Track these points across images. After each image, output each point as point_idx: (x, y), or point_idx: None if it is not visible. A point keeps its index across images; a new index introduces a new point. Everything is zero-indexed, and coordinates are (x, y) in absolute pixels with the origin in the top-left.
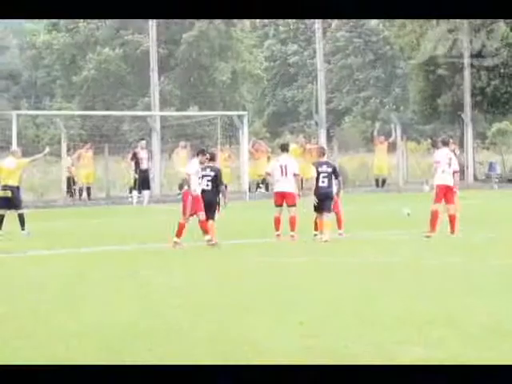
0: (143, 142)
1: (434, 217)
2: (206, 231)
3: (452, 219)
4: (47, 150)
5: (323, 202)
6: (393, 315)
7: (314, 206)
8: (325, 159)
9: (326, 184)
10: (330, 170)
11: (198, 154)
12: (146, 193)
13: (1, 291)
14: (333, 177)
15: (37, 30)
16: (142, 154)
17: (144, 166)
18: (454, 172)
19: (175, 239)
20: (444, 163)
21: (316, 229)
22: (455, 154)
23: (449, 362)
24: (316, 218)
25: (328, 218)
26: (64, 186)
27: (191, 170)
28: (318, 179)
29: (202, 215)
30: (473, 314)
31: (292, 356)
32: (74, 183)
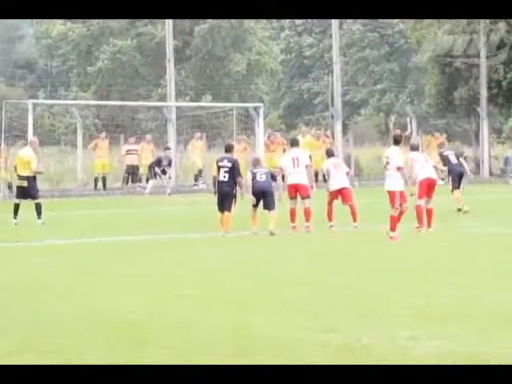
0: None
1: (421, 212)
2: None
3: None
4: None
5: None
6: (408, 308)
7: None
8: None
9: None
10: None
11: (396, 141)
12: (151, 182)
13: (13, 281)
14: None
15: (51, 20)
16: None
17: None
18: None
19: (391, 233)
20: (422, 160)
21: (331, 219)
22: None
23: (465, 355)
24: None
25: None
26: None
27: (400, 163)
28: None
29: (406, 207)
30: (490, 306)
31: (306, 350)
32: (138, 169)
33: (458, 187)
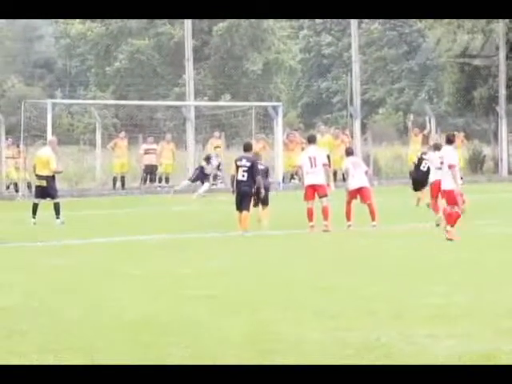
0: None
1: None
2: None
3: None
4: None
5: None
6: (424, 307)
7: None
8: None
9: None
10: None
11: (450, 141)
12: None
13: (31, 281)
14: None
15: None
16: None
17: None
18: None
19: (447, 228)
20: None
21: (349, 219)
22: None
23: (482, 354)
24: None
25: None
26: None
27: (452, 160)
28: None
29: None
30: (505, 305)
31: (326, 350)
32: (156, 169)
33: (420, 189)
